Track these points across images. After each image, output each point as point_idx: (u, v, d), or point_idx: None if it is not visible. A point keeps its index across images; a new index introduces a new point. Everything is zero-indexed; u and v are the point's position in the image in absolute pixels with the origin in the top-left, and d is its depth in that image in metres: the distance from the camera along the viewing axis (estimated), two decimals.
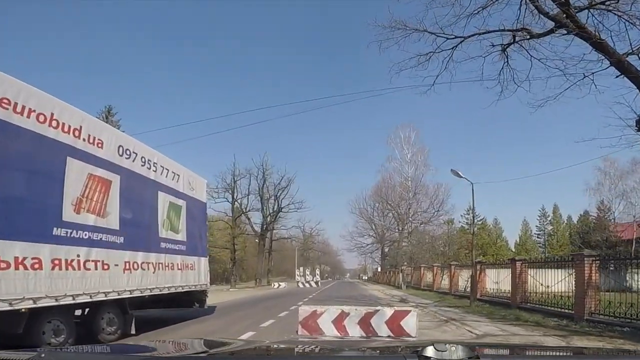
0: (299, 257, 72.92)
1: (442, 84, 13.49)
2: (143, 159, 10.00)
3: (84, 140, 7.93)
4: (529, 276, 16.21)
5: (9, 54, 63.03)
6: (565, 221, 74.54)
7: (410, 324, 9.36)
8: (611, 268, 14.71)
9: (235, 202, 49.44)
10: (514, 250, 72.61)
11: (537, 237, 77.81)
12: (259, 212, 53.11)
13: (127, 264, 8.89)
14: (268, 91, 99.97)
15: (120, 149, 9.11)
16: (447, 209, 51.01)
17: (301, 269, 51.62)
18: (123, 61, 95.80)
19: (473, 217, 18.71)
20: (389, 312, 9.60)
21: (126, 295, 8.82)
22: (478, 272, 20.00)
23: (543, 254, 63.33)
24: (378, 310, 9.65)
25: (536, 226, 78.22)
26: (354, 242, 60.45)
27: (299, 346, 2.51)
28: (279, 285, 46.17)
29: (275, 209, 53.52)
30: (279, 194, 53.22)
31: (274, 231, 57.41)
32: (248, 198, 51.21)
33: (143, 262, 9.52)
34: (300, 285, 46.28)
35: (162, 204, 10.79)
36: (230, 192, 48.54)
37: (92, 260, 7.76)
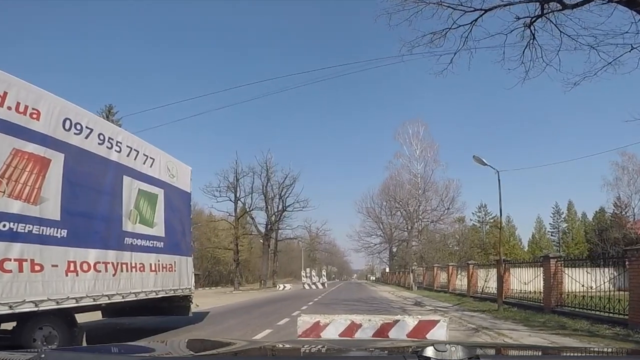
0: (306, 258, 71.41)
1: (460, 64, 12.04)
2: (101, 137, 8.04)
3: (8, 108, 6.06)
4: (567, 276, 14.20)
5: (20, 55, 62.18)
6: (580, 218, 72.24)
7: (438, 337, 7.34)
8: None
9: (238, 201, 47.98)
10: (527, 248, 70.53)
11: (551, 235, 75.54)
12: (263, 212, 52.00)
13: (72, 265, 6.88)
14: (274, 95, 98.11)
15: (67, 122, 7.17)
16: (457, 206, 49.26)
17: (307, 270, 50.71)
18: (128, 63, 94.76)
19: (500, 208, 16.55)
20: (411, 322, 7.48)
21: (70, 304, 6.82)
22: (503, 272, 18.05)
23: (557, 252, 61.08)
24: (398, 320, 7.57)
25: (550, 224, 76.04)
26: (362, 242, 59.04)
27: (299, 346, 2.52)
28: (284, 287, 44.62)
29: (279, 208, 52.19)
30: (283, 193, 51.91)
31: (279, 231, 56.02)
32: (251, 197, 50.07)
33: (97, 262, 7.52)
34: (306, 287, 45.03)
35: (129, 191, 8.84)
36: (232, 190, 47.00)
37: (15, 259, 5.78)
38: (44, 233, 6.37)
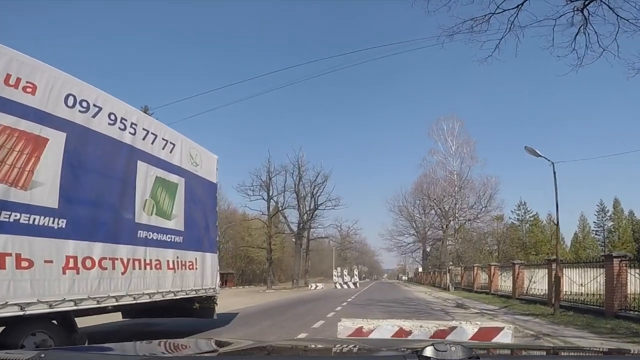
0: (336, 257, 70.71)
1: (504, 50, 11.14)
2: (112, 116, 7.07)
3: None
4: (632, 277, 12.67)
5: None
6: (627, 216, 68.56)
7: None
8: None
9: (271, 200, 47.90)
10: (569, 248, 67.47)
11: (596, 234, 71.99)
12: (295, 210, 51.83)
13: (72, 261, 5.89)
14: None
15: (70, 98, 6.24)
16: (495, 204, 47.50)
17: (339, 269, 50.16)
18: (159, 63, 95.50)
19: (557, 203, 14.98)
20: (470, 329, 6.34)
21: (67, 307, 5.85)
22: (554, 273, 16.55)
23: (602, 251, 58.11)
24: (455, 327, 6.41)
25: (594, 222, 72.51)
26: (394, 241, 57.75)
27: (300, 346, 2.59)
28: (316, 286, 43.82)
29: (311, 207, 51.60)
30: (315, 191, 51.33)
31: (311, 230, 55.45)
32: (284, 195, 50.14)
33: (104, 258, 6.52)
34: (338, 287, 44.36)
35: (144, 178, 7.86)
36: (265, 189, 46.85)
37: None
38: (35, 222, 5.40)
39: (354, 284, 46.08)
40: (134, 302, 7.27)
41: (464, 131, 48.22)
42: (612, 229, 69.06)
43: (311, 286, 45.01)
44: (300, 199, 50.77)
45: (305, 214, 51.50)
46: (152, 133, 8.16)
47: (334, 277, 48.65)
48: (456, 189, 47.57)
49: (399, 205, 55.21)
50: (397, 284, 67.61)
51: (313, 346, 2.51)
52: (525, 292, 20.70)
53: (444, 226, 49.19)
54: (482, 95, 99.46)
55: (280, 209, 50.01)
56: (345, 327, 6.47)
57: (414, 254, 61.66)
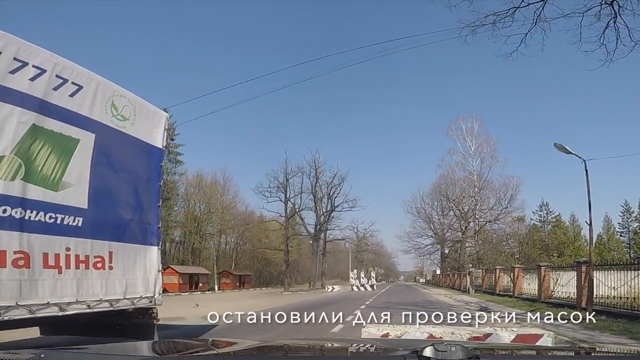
0: (353, 259, 70.47)
1: (530, 45, 10.78)
2: None
3: None
4: None
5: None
6: None
7: None
8: None
9: (288, 202, 48.15)
10: (594, 250, 65.85)
11: (621, 236, 70.10)
12: (312, 212, 52.30)
13: None
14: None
15: None
16: (516, 205, 46.81)
17: (355, 271, 49.88)
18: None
19: (590, 203, 14.49)
20: (507, 336, 5.94)
21: None
22: (583, 275, 16.16)
23: (628, 254, 56.56)
24: (490, 334, 5.96)
25: (619, 223, 70.49)
26: (411, 243, 56.94)
27: (299, 345, 2.63)
28: (333, 288, 43.37)
29: (328, 208, 51.82)
30: (332, 193, 51.56)
31: (328, 232, 55.66)
32: (301, 197, 50.87)
33: None
34: (355, 289, 44.00)
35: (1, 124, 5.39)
36: (282, 191, 47.14)
37: None
38: None
39: (371, 286, 45.51)
40: None
41: (484, 130, 47.68)
42: (638, 230, 67.16)
43: (328, 288, 44.67)
44: (317, 201, 51.23)
45: (322, 216, 51.91)
46: (34, 66, 5.72)
47: (351, 279, 48.32)
48: (476, 189, 46.97)
49: (417, 206, 54.56)
50: (414, 286, 66.81)
51: (312, 345, 2.52)
52: (551, 295, 20.11)
53: (463, 228, 48.55)
54: (502, 95, 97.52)
55: (297, 210, 50.59)
56: (370, 333, 6.04)
57: (432, 256, 60.86)
